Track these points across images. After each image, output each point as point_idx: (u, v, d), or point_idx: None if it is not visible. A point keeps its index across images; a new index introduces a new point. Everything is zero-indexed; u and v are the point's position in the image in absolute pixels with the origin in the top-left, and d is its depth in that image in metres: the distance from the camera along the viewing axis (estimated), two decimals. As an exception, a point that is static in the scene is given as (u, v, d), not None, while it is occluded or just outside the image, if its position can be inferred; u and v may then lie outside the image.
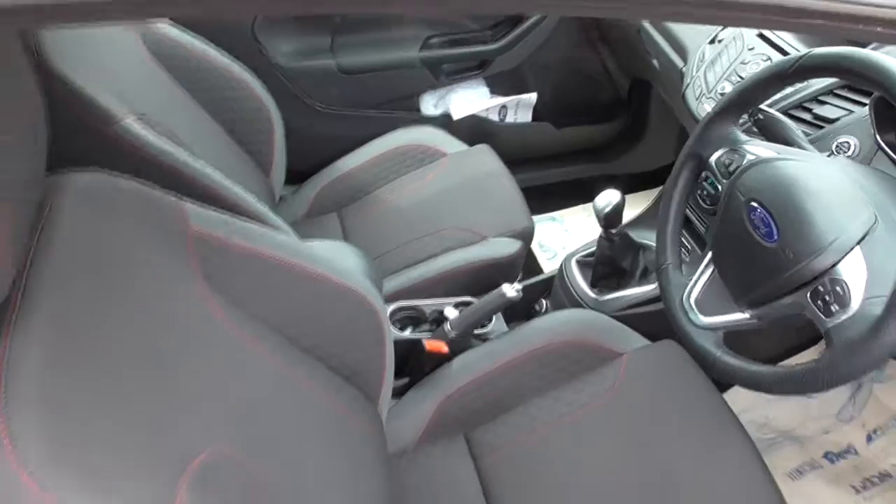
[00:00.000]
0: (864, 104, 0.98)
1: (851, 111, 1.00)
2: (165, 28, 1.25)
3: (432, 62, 1.73)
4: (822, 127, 1.02)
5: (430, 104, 1.80)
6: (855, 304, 0.75)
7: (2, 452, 0.46)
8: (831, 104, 1.04)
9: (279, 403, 0.76)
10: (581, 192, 1.90)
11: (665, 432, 1.00)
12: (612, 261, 1.31)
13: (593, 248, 1.35)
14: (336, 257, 0.95)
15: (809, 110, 1.05)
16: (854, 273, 0.76)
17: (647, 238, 1.36)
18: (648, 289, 1.28)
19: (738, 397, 1.33)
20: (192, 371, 0.65)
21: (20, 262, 0.54)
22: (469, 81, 1.79)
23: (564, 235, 1.91)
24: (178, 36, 1.25)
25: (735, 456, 0.97)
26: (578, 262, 1.37)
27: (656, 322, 1.22)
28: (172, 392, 0.61)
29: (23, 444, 0.47)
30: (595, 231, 1.33)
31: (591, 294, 1.31)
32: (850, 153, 0.97)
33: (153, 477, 0.53)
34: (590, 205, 1.87)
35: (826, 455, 1.40)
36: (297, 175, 1.54)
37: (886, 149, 0.92)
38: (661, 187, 1.56)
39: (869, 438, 1.40)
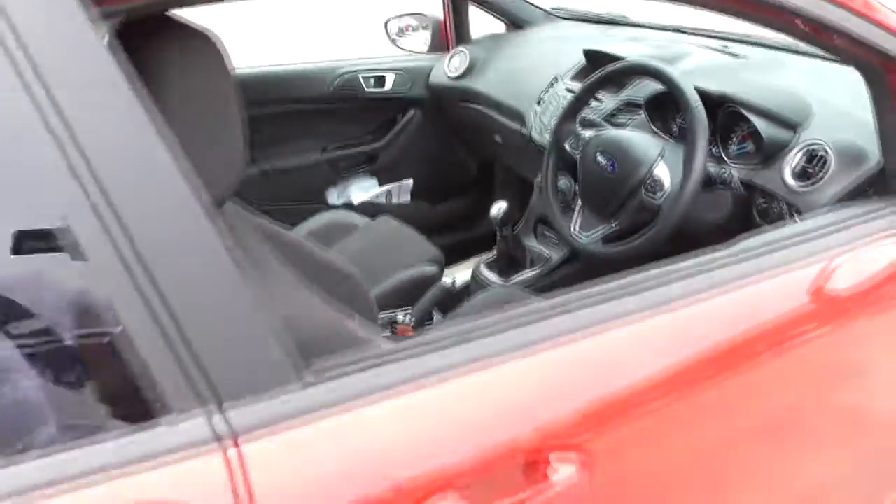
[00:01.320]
0: (640, 110, 1.61)
1: (635, 118, 1.63)
2: None
3: (332, 162, 2.24)
4: (620, 129, 1.65)
5: (334, 195, 2.27)
6: (667, 186, 1.32)
7: None
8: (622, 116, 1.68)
9: None
10: (462, 253, 2.40)
11: None
12: (509, 255, 1.81)
13: (493, 255, 1.85)
14: None
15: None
16: (662, 172, 1.34)
17: (527, 241, 1.89)
18: (537, 271, 1.79)
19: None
20: None
21: None
22: (361, 175, 2.31)
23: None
24: None
25: None
26: (485, 264, 1.85)
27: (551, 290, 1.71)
28: None
29: None
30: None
31: (501, 281, 1.79)
32: (640, 138, 1.59)
33: None
34: (472, 260, 2.37)
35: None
36: None
37: (658, 131, 1.55)
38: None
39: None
